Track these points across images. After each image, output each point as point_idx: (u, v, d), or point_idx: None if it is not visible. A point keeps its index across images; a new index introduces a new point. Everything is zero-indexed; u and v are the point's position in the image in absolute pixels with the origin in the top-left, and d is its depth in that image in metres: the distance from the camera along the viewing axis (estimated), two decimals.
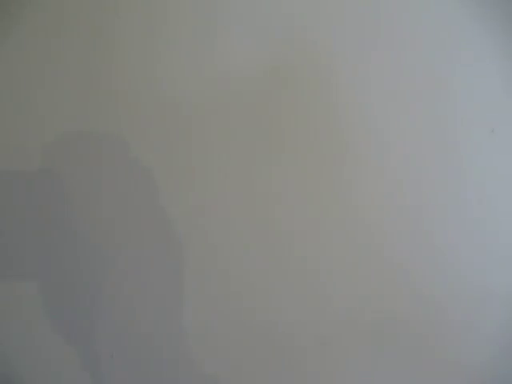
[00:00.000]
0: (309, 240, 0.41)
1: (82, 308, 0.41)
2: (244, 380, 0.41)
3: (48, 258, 0.41)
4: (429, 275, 0.41)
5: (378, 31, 0.42)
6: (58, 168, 0.41)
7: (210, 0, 0.42)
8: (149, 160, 0.41)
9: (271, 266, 0.41)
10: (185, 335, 0.41)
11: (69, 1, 0.42)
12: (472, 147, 0.41)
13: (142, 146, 0.41)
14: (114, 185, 0.41)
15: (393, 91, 0.41)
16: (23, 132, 0.41)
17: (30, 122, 0.41)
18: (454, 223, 0.41)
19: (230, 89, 0.41)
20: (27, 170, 0.41)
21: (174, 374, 0.41)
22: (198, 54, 0.42)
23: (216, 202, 0.41)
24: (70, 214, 0.41)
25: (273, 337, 0.41)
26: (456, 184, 0.41)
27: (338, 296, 0.41)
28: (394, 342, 0.41)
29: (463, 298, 0.41)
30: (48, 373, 0.41)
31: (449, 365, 0.41)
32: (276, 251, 0.41)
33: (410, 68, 0.42)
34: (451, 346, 0.41)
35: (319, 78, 0.41)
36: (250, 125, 0.41)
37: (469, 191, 0.41)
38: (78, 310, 0.41)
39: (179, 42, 0.42)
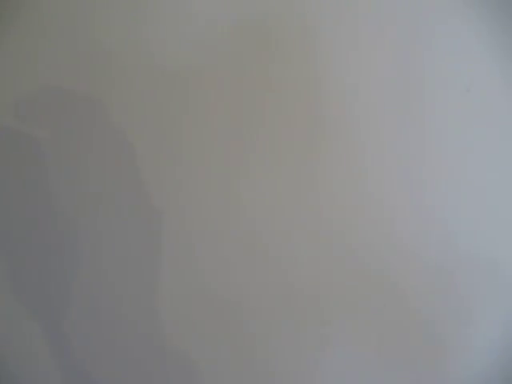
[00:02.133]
0: (273, 218, 0.41)
1: (54, 280, 0.40)
2: (212, 354, 0.40)
3: (22, 226, 0.40)
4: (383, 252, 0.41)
5: None
6: (30, 128, 0.40)
7: None
8: (132, 123, 0.40)
9: (244, 251, 0.41)
10: (158, 311, 0.40)
11: None
12: (447, 107, 0.41)
13: (125, 107, 0.40)
14: (93, 150, 0.40)
15: (369, 51, 0.41)
16: None
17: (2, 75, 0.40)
18: (431, 181, 0.41)
19: (216, 46, 0.41)
20: None
21: (146, 348, 0.40)
22: (185, 10, 0.41)
23: (195, 171, 0.41)
24: (45, 180, 0.40)
25: (240, 313, 0.41)
26: (431, 144, 0.41)
27: (300, 273, 0.41)
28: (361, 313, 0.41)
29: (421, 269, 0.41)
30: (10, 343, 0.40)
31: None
32: (245, 230, 0.41)
33: (388, 28, 0.42)
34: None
35: (306, 38, 0.41)
36: (236, 87, 0.41)
37: (444, 151, 0.41)
38: (50, 283, 0.40)
39: None
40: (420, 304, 0.41)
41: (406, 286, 0.41)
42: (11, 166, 0.40)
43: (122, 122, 0.40)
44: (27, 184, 0.40)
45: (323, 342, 0.40)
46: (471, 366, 0.41)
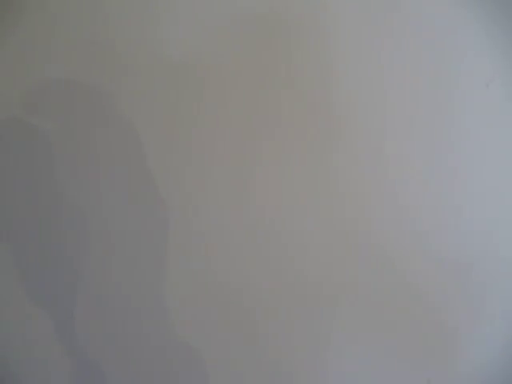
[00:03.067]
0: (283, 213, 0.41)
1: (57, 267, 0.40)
2: (218, 347, 0.40)
3: (28, 218, 0.40)
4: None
5: None
6: (39, 119, 0.40)
7: None
8: (140, 116, 0.40)
9: (253, 244, 0.40)
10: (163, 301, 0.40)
11: None
12: (467, 102, 0.41)
13: (134, 100, 0.40)
14: (102, 142, 0.40)
15: (387, 46, 0.41)
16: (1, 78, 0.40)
17: (10, 66, 0.40)
18: (447, 176, 0.41)
19: (229, 37, 0.41)
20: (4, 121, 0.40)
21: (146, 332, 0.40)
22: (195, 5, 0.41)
23: (204, 160, 0.40)
24: (52, 173, 0.40)
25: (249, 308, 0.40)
26: (449, 139, 0.41)
27: (310, 261, 0.41)
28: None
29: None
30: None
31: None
32: (256, 226, 0.40)
33: (405, 24, 0.41)
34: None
35: (321, 31, 0.41)
36: (247, 83, 0.41)
37: (463, 147, 0.41)
38: (57, 276, 0.40)
39: None
40: (433, 297, 0.40)
41: (419, 279, 0.40)
42: (19, 158, 0.40)
43: (130, 115, 0.40)
44: (35, 176, 0.40)
45: (333, 331, 0.40)
46: (483, 364, 0.41)
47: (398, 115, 0.41)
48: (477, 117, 0.41)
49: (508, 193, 0.41)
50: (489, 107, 0.41)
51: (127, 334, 0.40)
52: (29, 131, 0.40)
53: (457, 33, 0.41)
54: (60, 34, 0.40)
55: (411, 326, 0.40)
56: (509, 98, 0.41)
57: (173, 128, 0.40)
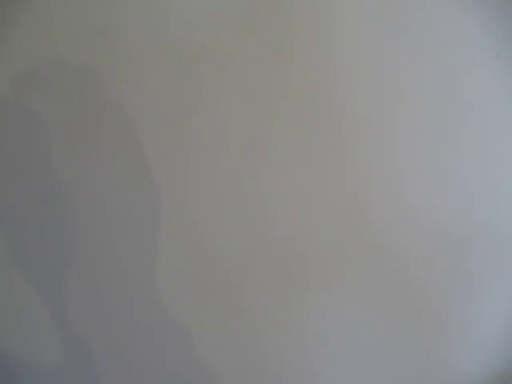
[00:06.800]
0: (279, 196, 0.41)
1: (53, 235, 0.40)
2: (211, 325, 0.41)
3: (21, 198, 0.40)
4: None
5: None
6: (30, 101, 0.40)
7: None
8: (135, 98, 0.40)
9: (244, 228, 0.41)
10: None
11: None
12: (478, 72, 0.41)
13: (128, 81, 0.40)
14: (99, 127, 0.40)
15: (394, 19, 0.40)
16: None
17: (8, 49, 0.40)
18: (451, 150, 0.41)
19: (230, 28, 0.40)
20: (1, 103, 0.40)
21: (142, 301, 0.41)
22: None
23: (203, 151, 0.40)
24: (48, 154, 0.40)
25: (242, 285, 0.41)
26: (462, 110, 0.41)
27: (309, 239, 0.41)
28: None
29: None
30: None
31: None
32: (249, 209, 0.41)
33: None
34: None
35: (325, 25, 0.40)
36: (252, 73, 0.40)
37: (475, 117, 0.41)
38: (49, 252, 0.40)
39: None
40: (433, 271, 0.41)
41: (420, 254, 0.41)
42: (11, 139, 0.40)
43: (129, 99, 0.40)
44: (26, 157, 0.40)
45: (326, 312, 0.41)
46: (483, 337, 0.41)
47: (408, 84, 0.41)
48: (488, 87, 0.41)
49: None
50: (500, 77, 0.41)
51: (117, 310, 0.41)
52: (26, 114, 0.40)
53: (468, 3, 0.40)
54: (59, 18, 0.40)
55: (412, 299, 0.41)
56: None
57: (172, 114, 0.40)
